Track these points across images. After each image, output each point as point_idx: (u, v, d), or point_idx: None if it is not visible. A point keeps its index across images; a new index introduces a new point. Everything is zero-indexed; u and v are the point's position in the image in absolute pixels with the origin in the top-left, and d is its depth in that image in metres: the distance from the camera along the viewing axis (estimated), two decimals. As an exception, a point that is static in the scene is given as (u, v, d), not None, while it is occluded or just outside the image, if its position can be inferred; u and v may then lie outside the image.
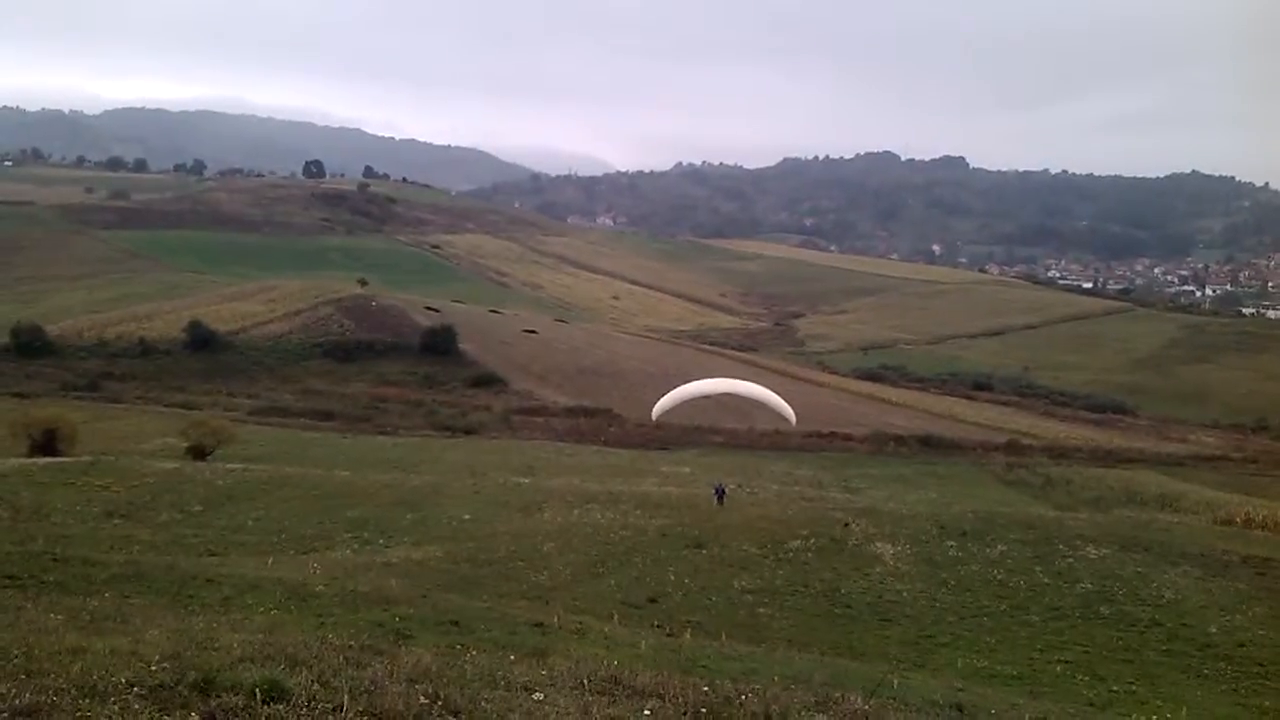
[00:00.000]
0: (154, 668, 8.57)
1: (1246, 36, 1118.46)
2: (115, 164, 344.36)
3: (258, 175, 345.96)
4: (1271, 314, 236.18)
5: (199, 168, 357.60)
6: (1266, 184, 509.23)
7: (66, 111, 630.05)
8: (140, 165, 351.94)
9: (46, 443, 45.62)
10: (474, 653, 12.55)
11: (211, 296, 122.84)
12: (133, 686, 7.96)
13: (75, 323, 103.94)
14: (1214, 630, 22.26)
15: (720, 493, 36.13)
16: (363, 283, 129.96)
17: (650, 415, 32.32)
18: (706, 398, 33.33)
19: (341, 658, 10.11)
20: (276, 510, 31.79)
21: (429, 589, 21.40)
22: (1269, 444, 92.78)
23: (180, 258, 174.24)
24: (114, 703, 7.53)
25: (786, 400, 37.11)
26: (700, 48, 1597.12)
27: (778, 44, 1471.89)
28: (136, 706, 7.54)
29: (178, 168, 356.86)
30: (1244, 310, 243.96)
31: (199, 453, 45.28)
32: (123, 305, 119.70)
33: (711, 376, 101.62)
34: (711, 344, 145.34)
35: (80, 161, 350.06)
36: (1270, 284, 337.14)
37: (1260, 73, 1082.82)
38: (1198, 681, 19.92)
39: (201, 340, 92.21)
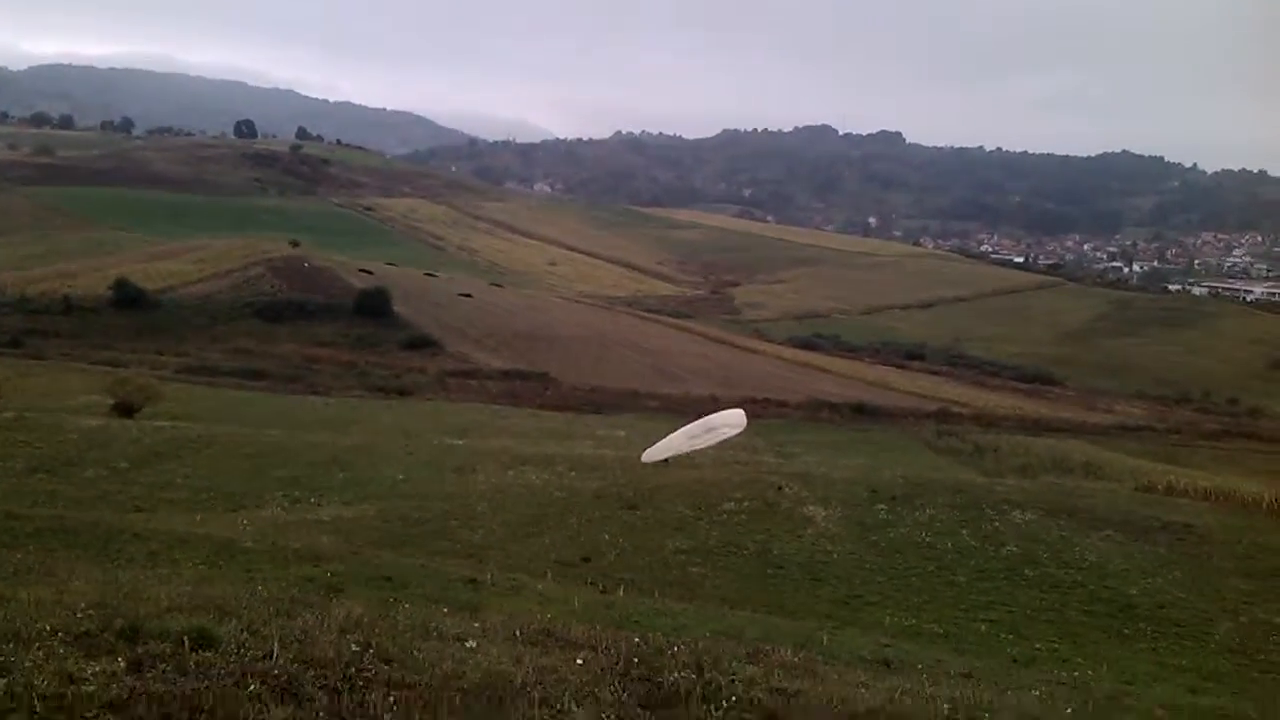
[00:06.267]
0: (80, 615, 8.44)
1: (1179, 22, 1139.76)
2: (40, 120, 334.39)
3: (187, 134, 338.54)
4: (1196, 290, 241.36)
5: (126, 125, 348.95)
6: (1195, 164, 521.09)
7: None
8: (66, 122, 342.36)
9: (-33, 399, 44.54)
10: (406, 606, 12.51)
11: (139, 255, 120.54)
12: (58, 633, 7.84)
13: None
14: (1134, 592, 22.74)
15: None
16: (295, 244, 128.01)
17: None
18: (693, 437, 33.41)
19: (271, 609, 10.03)
20: (205, 468, 31.27)
21: (361, 546, 21.25)
22: (1191, 415, 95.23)
23: (107, 216, 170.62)
24: (38, 648, 7.42)
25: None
26: (641, 17, 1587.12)
27: (717, 15, 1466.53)
28: (61, 651, 7.43)
29: (105, 125, 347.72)
30: (1170, 287, 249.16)
31: (125, 410, 44.37)
32: (47, 262, 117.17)
33: (647, 341, 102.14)
34: (649, 310, 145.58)
35: (3, 117, 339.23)
36: (1196, 261, 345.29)
37: (1190, 57, 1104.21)
38: (1118, 641, 20.36)
39: (128, 299, 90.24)
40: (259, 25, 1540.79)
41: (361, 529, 24.45)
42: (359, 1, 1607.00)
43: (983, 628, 20.44)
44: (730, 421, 34.46)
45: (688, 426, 34.37)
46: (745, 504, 27.70)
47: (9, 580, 11.61)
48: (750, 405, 67.71)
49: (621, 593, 19.20)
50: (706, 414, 38.81)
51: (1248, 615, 21.87)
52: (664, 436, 35.23)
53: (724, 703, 8.00)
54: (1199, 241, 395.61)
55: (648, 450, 33.77)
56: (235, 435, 37.05)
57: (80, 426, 36.04)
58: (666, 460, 32.78)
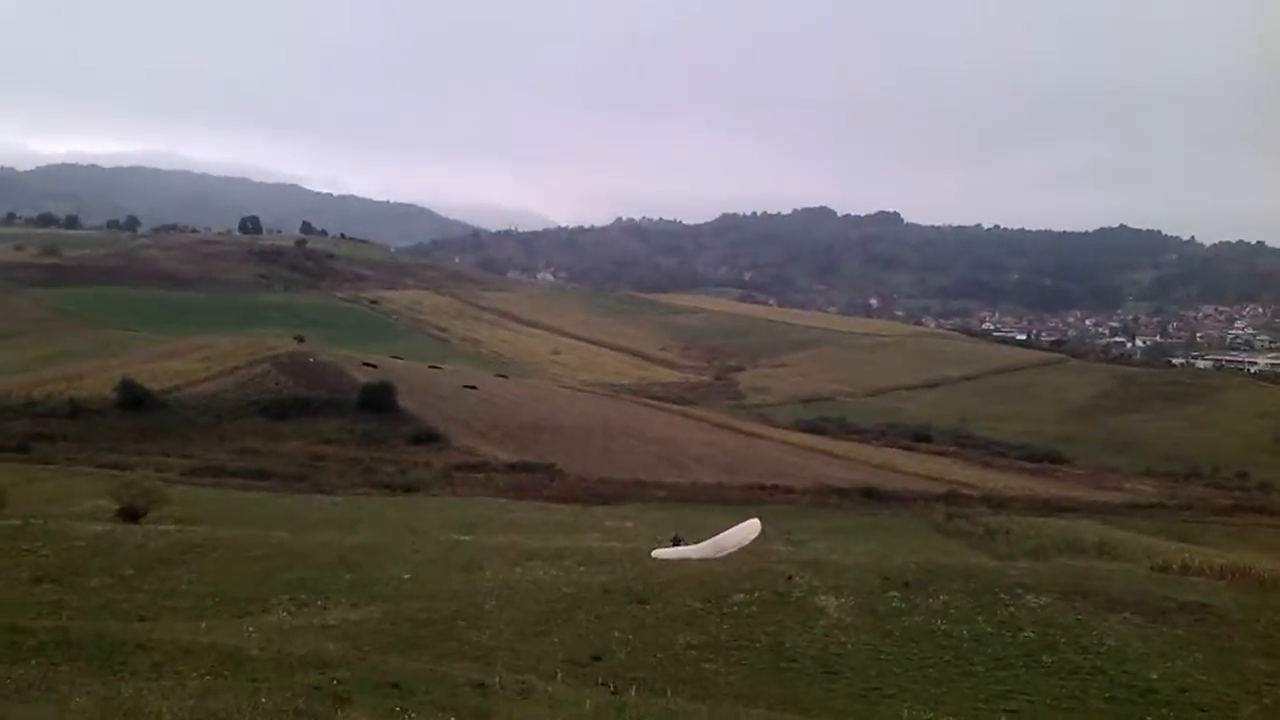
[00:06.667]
0: (80, 736, 8.31)
1: (1174, 95, 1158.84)
2: (46, 220, 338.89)
3: (193, 231, 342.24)
4: (1200, 364, 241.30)
5: (132, 224, 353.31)
6: (1192, 237, 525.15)
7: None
8: (72, 222, 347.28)
9: (-27, 507, 44.33)
10: (414, 715, 12.30)
11: (145, 355, 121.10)
12: (56, 757, 7.71)
13: (4, 382, 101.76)
14: (1155, 676, 22.35)
15: (677, 543, 36.64)
16: (300, 339, 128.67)
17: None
18: (704, 559, 32.81)
19: (276, 723, 9.86)
20: (211, 573, 31.00)
21: (368, 651, 20.98)
22: (1202, 491, 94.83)
23: (113, 315, 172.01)
24: (37, 775, 7.28)
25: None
26: (639, 105, 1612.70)
27: (716, 101, 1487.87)
28: (60, 778, 7.30)
29: (111, 224, 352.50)
30: (1173, 361, 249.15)
31: (131, 515, 44.19)
32: (53, 364, 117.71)
33: (652, 429, 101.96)
34: (653, 398, 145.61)
35: (10, 218, 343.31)
36: (1198, 335, 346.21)
37: (1186, 129, 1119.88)
38: (1141, 729, 19.98)
39: (134, 399, 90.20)
40: (263, 120, 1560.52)
41: (368, 632, 24.14)
42: (362, 98, 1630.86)
43: (1003, 719, 20.06)
44: (744, 538, 33.64)
45: (702, 545, 33.77)
46: (756, 595, 27.37)
47: (10, 699, 11.46)
48: (757, 491, 67.75)
49: (633, 693, 18.90)
50: (715, 508, 38.50)
51: (1270, 697, 21.47)
52: (672, 533, 34.96)
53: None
54: (1200, 314, 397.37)
55: (658, 550, 33.46)
56: (241, 538, 36.77)
57: (86, 533, 35.81)
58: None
